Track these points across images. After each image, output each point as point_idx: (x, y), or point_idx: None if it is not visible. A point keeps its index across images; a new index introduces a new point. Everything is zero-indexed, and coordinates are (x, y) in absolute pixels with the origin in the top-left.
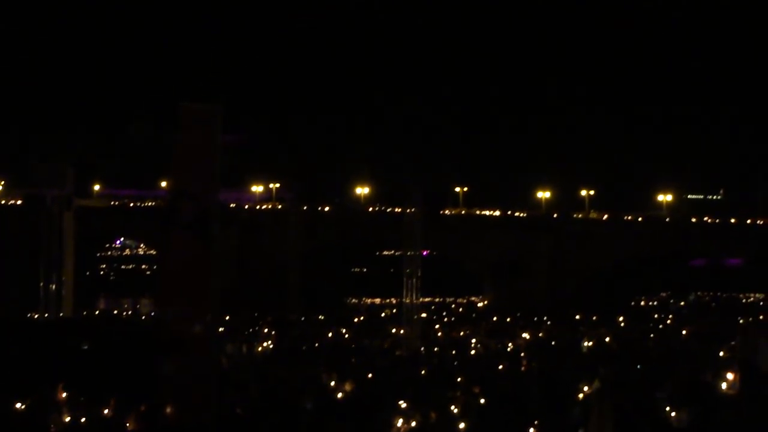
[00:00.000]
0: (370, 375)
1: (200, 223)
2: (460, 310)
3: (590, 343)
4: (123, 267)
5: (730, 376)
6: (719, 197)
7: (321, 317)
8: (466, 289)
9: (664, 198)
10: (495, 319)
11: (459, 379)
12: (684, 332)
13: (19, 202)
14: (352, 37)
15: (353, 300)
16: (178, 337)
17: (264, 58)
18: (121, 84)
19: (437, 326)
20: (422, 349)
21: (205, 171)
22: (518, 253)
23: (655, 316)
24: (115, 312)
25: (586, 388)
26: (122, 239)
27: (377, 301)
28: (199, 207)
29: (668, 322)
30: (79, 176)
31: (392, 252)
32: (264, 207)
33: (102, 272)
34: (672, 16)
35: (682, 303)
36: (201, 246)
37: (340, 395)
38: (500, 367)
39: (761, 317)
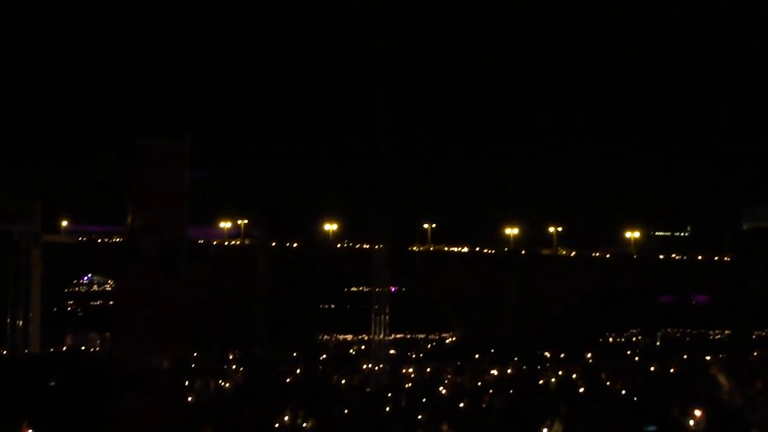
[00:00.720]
0: (337, 411)
1: (166, 258)
2: (429, 346)
3: (556, 380)
4: (91, 303)
5: (697, 413)
6: (686, 234)
7: (290, 353)
8: (435, 325)
9: (632, 235)
10: (463, 356)
11: (426, 416)
12: (652, 369)
13: None
14: (319, 71)
15: (322, 336)
16: (138, 373)
17: (234, 94)
18: (89, 119)
19: (406, 363)
20: (390, 385)
21: (171, 207)
22: (486, 290)
23: (625, 353)
24: (83, 348)
25: (548, 428)
26: (90, 275)
27: (348, 337)
28: (165, 243)
29: (636, 359)
30: (47, 212)
31: (361, 288)
32: (232, 243)
33: (69, 308)
34: (640, 53)
35: (650, 340)
36: (168, 282)
37: None
38: (465, 404)
39: (728, 354)
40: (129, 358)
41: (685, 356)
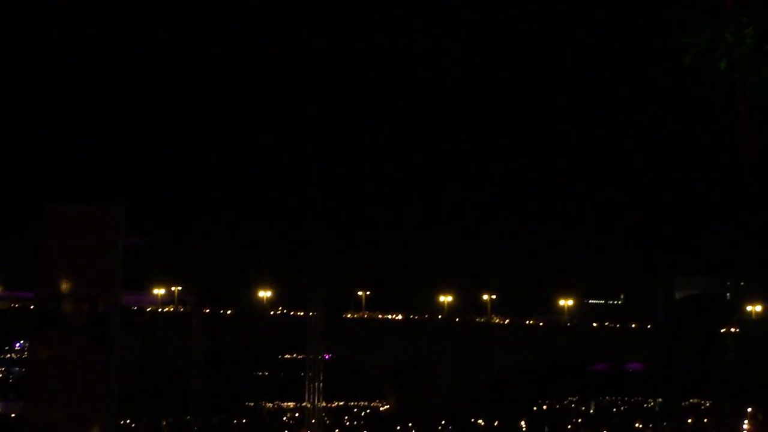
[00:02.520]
0: None
1: (96, 325)
2: (363, 414)
3: None
4: (22, 369)
5: None
6: (620, 302)
7: (224, 421)
8: (369, 393)
9: (566, 303)
10: (397, 424)
11: None
12: None
13: None
14: (250, 138)
15: (256, 403)
16: None
17: (167, 162)
18: (21, 186)
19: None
20: None
21: (101, 273)
22: (421, 357)
23: (559, 420)
24: (13, 415)
25: None
26: (22, 341)
27: (282, 404)
28: (93, 309)
29: (570, 426)
30: None
31: (295, 355)
32: (166, 310)
33: (1, 375)
34: (572, 130)
35: (585, 407)
36: (96, 349)
37: None
38: None
39: (661, 422)
40: (45, 427)
41: (618, 423)
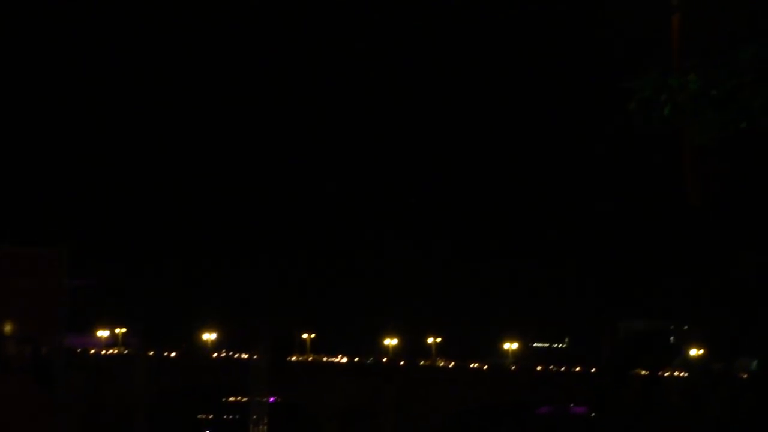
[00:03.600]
0: None
1: (39, 367)
2: None
3: None
4: None
5: None
6: (564, 346)
7: None
8: None
9: (510, 346)
10: None
11: None
12: None
13: None
14: (194, 182)
15: None
16: None
17: (113, 204)
18: None
19: None
20: None
21: (45, 315)
22: (365, 400)
23: None
24: None
25: None
26: None
27: None
28: (38, 351)
29: None
30: None
31: (239, 398)
32: (110, 352)
33: None
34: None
35: None
36: (38, 390)
37: None
38: None
39: None
40: None
41: None
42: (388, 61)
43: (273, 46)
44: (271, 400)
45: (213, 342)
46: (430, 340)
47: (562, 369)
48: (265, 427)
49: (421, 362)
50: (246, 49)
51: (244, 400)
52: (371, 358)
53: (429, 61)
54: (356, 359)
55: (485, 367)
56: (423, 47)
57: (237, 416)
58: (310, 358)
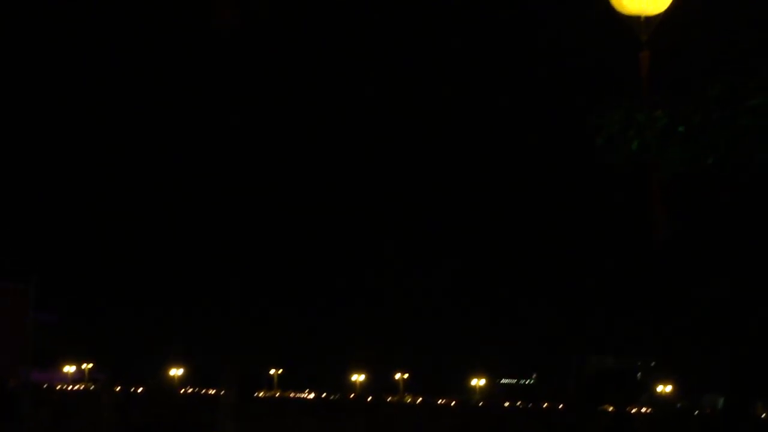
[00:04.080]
0: None
1: (4, 402)
2: None
3: None
4: None
5: None
6: (532, 382)
7: None
8: None
9: (477, 382)
10: None
11: None
12: None
13: None
14: (161, 217)
15: None
16: None
17: (80, 238)
18: None
19: None
20: None
21: (9, 349)
22: None
23: None
24: None
25: None
26: None
27: None
28: (3, 386)
29: None
30: None
31: None
32: (76, 388)
33: None
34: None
35: None
36: (4, 426)
37: None
38: None
39: None
40: None
41: None
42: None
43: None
44: None
45: (180, 377)
46: (398, 376)
47: (530, 405)
48: None
49: (389, 398)
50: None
51: None
52: (338, 394)
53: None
54: (323, 395)
55: (453, 404)
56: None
57: None
58: (278, 394)
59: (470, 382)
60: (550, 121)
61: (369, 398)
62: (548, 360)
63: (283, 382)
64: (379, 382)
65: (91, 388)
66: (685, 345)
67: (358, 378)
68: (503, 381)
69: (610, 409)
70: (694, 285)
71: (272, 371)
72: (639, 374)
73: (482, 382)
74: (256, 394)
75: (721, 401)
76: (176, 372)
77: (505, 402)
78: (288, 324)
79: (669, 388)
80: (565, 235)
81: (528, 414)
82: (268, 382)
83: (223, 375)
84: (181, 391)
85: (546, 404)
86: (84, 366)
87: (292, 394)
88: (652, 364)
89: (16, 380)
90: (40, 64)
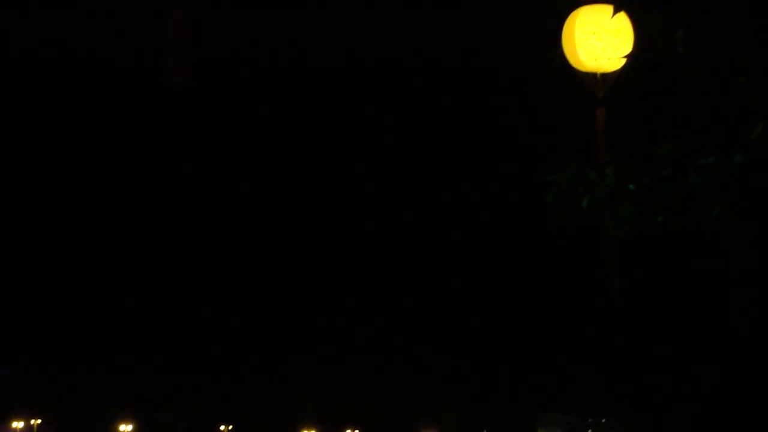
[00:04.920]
0: None
1: None
2: None
3: None
4: None
5: None
6: None
7: None
8: None
9: None
10: None
11: None
12: None
13: None
14: (104, 273)
15: None
16: None
17: (27, 291)
18: None
19: None
20: None
21: None
22: None
23: None
24: None
25: None
26: None
27: None
28: None
29: None
30: None
31: None
32: None
33: None
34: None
35: None
36: None
37: None
38: None
39: None
40: None
41: None
42: None
43: None
44: None
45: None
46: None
47: None
48: None
49: None
50: None
51: None
52: None
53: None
54: None
55: None
56: None
57: None
58: None
59: None
60: (500, 176)
61: None
62: (498, 418)
63: None
64: None
65: None
66: (636, 404)
67: None
68: None
69: None
70: (646, 344)
71: (222, 427)
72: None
73: None
74: None
75: None
76: (125, 428)
77: None
78: (238, 380)
79: None
80: (519, 290)
81: None
82: None
83: (172, 430)
84: None
85: None
86: (33, 422)
87: None
88: (603, 420)
89: None
90: None
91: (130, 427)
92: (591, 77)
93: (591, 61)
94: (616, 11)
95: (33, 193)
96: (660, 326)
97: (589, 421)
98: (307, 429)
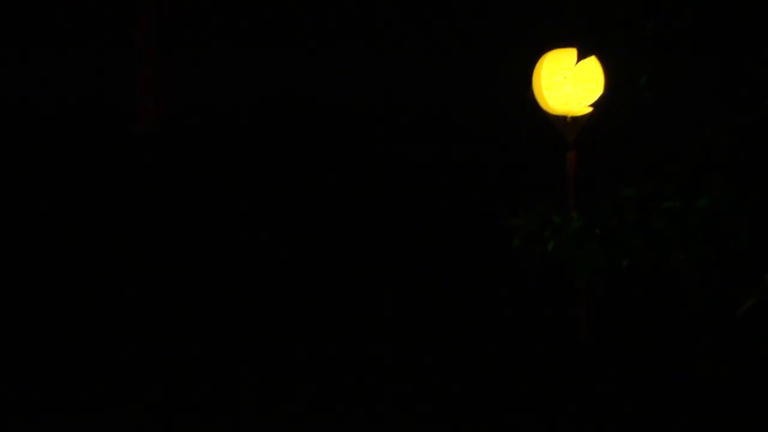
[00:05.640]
0: None
1: None
2: None
3: None
4: None
5: None
6: None
7: None
8: None
9: None
10: None
11: None
12: None
13: None
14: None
15: None
16: None
17: None
18: None
19: None
20: None
21: None
22: None
23: None
24: None
25: None
26: None
27: None
28: None
29: None
30: None
31: None
32: None
33: None
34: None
35: None
36: None
37: None
38: None
39: None
40: None
41: None
42: None
43: None
44: None
45: None
46: None
47: None
48: None
49: None
50: None
51: None
52: None
53: None
54: None
55: None
56: None
57: None
58: None
59: None
60: (468, 220)
61: None
62: None
63: None
64: None
65: None
66: None
67: None
68: None
69: None
70: (616, 387)
71: None
72: None
73: None
74: None
75: None
76: None
77: None
78: (208, 422)
79: None
80: (486, 335)
81: None
82: None
83: None
84: None
85: None
86: None
87: None
88: None
89: None
90: None
91: None
92: (561, 121)
93: (561, 104)
94: (581, 57)
95: None
96: (626, 370)
97: None
98: None
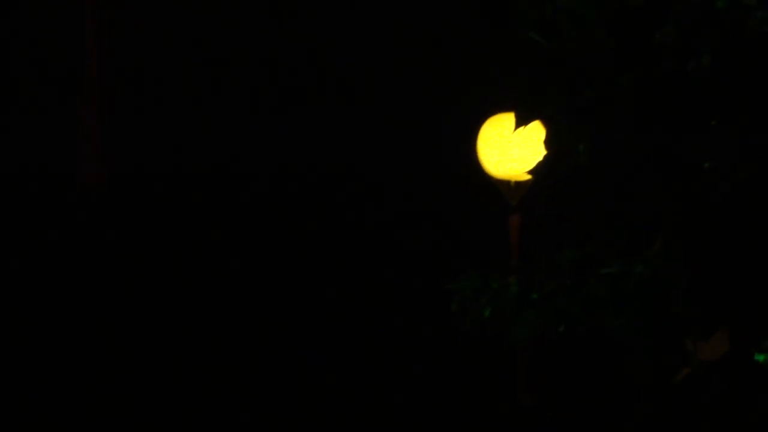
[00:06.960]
0: None
1: None
2: None
3: None
4: None
5: None
6: None
7: None
8: None
9: None
10: None
11: None
12: None
13: None
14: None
15: None
16: None
17: None
18: None
19: None
20: None
21: None
22: None
23: None
24: None
25: None
26: None
27: None
28: None
29: None
30: None
31: None
32: None
33: None
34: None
35: None
36: None
37: None
38: None
39: None
40: None
41: None
42: None
43: None
44: None
45: None
46: None
47: None
48: None
49: None
50: None
51: None
52: None
53: None
54: None
55: None
56: None
57: None
58: None
59: None
60: (404, 286)
61: None
62: None
63: None
64: None
65: None
66: None
67: None
68: None
69: None
70: None
71: None
72: None
73: None
74: None
75: None
76: None
77: None
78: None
79: None
80: (428, 400)
81: None
82: None
83: None
84: None
85: None
86: None
87: None
88: None
89: None
90: None
91: None
92: (505, 184)
93: (504, 168)
94: (519, 123)
95: None
96: (565, 430)
97: None
98: None
